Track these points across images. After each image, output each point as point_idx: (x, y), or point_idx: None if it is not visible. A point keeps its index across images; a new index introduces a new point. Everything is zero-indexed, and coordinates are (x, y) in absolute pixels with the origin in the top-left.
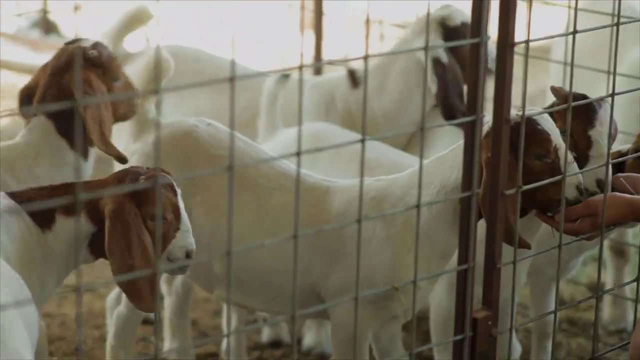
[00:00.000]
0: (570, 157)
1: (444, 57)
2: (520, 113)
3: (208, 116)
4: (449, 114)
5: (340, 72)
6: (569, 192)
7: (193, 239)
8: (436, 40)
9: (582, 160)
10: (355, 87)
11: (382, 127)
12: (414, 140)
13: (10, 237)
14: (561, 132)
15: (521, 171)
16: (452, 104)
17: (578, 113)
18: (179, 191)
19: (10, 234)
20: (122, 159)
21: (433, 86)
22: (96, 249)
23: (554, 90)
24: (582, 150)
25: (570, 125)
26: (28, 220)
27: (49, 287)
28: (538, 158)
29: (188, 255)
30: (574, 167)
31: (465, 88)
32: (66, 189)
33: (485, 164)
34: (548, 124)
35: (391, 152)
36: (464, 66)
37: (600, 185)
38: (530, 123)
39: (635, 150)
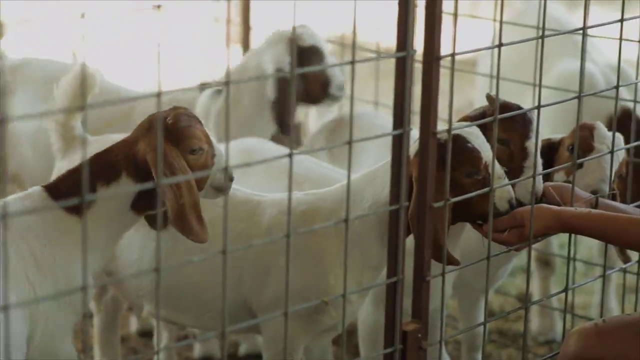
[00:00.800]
0: (500, 171)
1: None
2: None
3: None
4: (280, 124)
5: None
6: (501, 206)
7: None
8: (284, 56)
9: (517, 171)
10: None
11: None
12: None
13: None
14: (500, 140)
15: (449, 184)
16: (284, 115)
17: (515, 124)
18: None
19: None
20: (201, 240)
21: (271, 95)
22: (141, 205)
23: (490, 98)
24: (518, 161)
25: (508, 136)
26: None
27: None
28: (469, 175)
29: (231, 178)
30: (504, 181)
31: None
32: (98, 160)
33: (414, 178)
34: (478, 141)
35: (319, 166)
36: (307, 87)
37: (511, 205)
38: (461, 141)
39: (571, 145)
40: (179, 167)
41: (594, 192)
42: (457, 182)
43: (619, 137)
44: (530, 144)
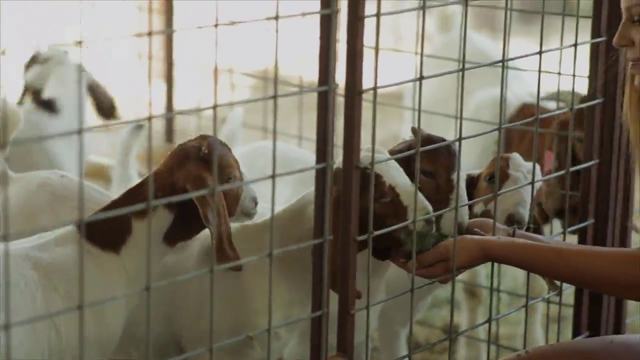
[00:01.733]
0: (420, 196)
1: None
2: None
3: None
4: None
5: None
6: (418, 225)
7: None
8: None
9: (443, 202)
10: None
11: None
12: None
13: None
14: (426, 172)
15: (363, 215)
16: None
17: (440, 156)
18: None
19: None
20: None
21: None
22: (173, 236)
23: (414, 131)
24: (444, 192)
25: (433, 168)
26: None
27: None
28: (376, 200)
29: (256, 202)
30: (422, 199)
31: None
32: (133, 194)
33: (335, 210)
34: (380, 166)
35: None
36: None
37: (461, 229)
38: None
39: (488, 175)
40: (218, 196)
41: (510, 217)
42: (367, 210)
43: (537, 167)
44: (455, 175)
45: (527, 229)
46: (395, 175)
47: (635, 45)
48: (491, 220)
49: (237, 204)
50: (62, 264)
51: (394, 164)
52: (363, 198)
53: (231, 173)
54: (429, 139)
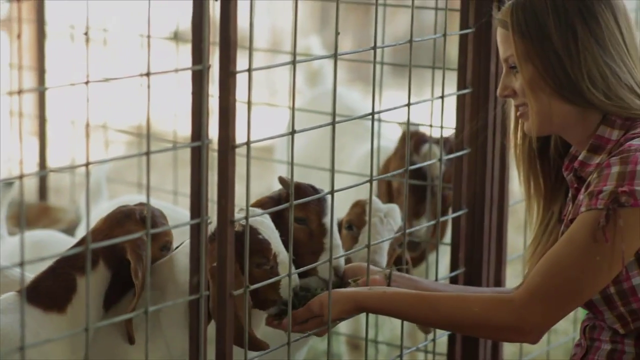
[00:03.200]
0: (290, 264)
1: None
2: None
3: None
4: None
5: None
6: (285, 294)
7: None
8: None
9: (317, 247)
10: None
11: None
12: None
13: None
14: (297, 219)
15: (241, 273)
16: None
17: (311, 203)
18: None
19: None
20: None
21: None
22: (108, 298)
23: (282, 181)
24: (317, 238)
25: (305, 215)
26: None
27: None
28: (258, 266)
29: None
30: (292, 268)
31: None
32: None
33: (210, 272)
34: (268, 232)
35: None
36: None
37: (338, 272)
38: (252, 231)
39: (347, 223)
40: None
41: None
42: (248, 271)
43: (396, 209)
44: (327, 221)
45: (399, 270)
46: (279, 243)
47: (518, 95)
48: (365, 265)
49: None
50: (8, 333)
51: (275, 230)
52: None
53: (168, 242)
54: (298, 187)
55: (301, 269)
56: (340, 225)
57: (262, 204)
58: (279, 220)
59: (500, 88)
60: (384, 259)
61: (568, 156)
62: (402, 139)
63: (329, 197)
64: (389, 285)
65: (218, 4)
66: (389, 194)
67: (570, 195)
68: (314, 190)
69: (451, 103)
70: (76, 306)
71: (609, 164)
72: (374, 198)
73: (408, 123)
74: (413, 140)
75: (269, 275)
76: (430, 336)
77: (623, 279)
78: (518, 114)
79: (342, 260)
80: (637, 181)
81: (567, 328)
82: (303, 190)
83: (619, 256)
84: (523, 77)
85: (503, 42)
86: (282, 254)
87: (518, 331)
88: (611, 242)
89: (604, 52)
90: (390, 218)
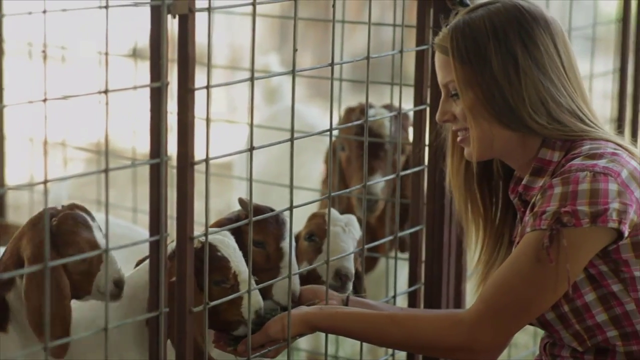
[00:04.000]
0: (252, 282)
1: None
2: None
3: None
4: None
5: None
6: (248, 314)
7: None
8: None
9: (274, 271)
10: None
11: None
12: None
13: None
14: (255, 242)
15: (199, 290)
16: None
17: (269, 226)
18: (94, 224)
19: None
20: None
21: None
22: None
23: (241, 202)
24: (274, 261)
25: (263, 238)
26: None
27: None
28: (217, 284)
29: (117, 284)
30: (255, 292)
31: None
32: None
33: (169, 289)
34: (229, 250)
35: None
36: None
37: (294, 297)
38: (211, 249)
39: (307, 234)
40: (54, 274)
41: (338, 272)
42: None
43: (354, 219)
44: (285, 245)
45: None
46: (240, 263)
47: (457, 120)
48: (323, 288)
49: (91, 283)
50: None
51: (237, 248)
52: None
53: (74, 253)
54: (257, 209)
55: (259, 286)
56: (298, 238)
57: (220, 225)
58: (238, 242)
59: (440, 113)
60: (352, 265)
61: (513, 179)
62: (347, 113)
63: (287, 220)
64: None
65: (176, 21)
66: (340, 170)
67: (518, 217)
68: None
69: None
70: (15, 322)
71: (552, 185)
72: (332, 210)
73: (366, 139)
74: (358, 109)
75: (229, 294)
76: (390, 351)
77: (576, 296)
78: (458, 139)
79: (297, 285)
80: (580, 201)
81: (528, 342)
82: (262, 211)
83: (564, 276)
84: (464, 103)
85: (443, 67)
86: (244, 274)
87: (470, 351)
88: (555, 263)
89: (544, 77)
90: (350, 227)
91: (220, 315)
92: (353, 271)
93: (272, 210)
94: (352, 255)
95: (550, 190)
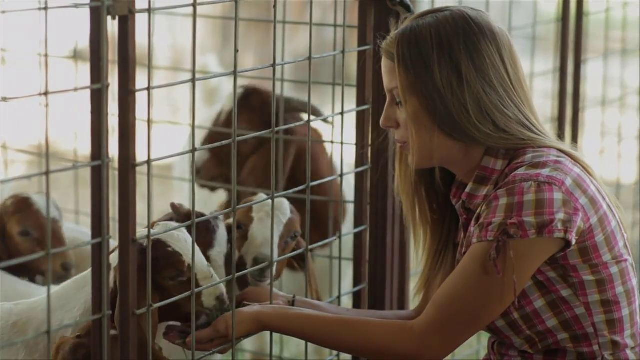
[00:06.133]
0: (207, 270)
1: None
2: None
3: None
4: None
5: None
6: (209, 302)
7: None
8: None
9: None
10: None
11: None
12: None
13: None
14: None
15: (156, 288)
16: None
17: (200, 235)
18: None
19: None
20: None
21: None
22: None
23: (174, 207)
24: None
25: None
26: None
27: None
28: (172, 279)
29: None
30: (212, 280)
31: None
32: None
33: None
34: (180, 244)
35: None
36: None
37: (220, 301)
38: (161, 245)
39: (236, 222)
40: None
41: (255, 259)
42: (162, 286)
43: (284, 202)
44: (214, 253)
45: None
46: (196, 254)
47: (400, 127)
48: (268, 289)
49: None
50: None
51: (189, 240)
52: (159, 275)
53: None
54: (189, 215)
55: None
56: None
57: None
58: None
59: (384, 118)
60: (269, 251)
61: (455, 183)
62: (243, 98)
63: (218, 227)
64: None
65: (116, 22)
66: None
67: (461, 222)
68: (208, 220)
69: (352, 119)
70: None
71: (497, 196)
72: (260, 194)
73: (309, 140)
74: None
75: (188, 288)
76: (335, 352)
77: (525, 303)
78: (399, 146)
79: (223, 287)
80: (525, 212)
81: (471, 341)
82: (197, 216)
83: (510, 287)
84: (406, 110)
85: (388, 73)
86: (200, 264)
87: (418, 358)
88: (502, 274)
89: (489, 87)
90: (278, 211)
91: (181, 308)
92: (274, 257)
93: (203, 215)
94: (275, 242)
95: (496, 201)
